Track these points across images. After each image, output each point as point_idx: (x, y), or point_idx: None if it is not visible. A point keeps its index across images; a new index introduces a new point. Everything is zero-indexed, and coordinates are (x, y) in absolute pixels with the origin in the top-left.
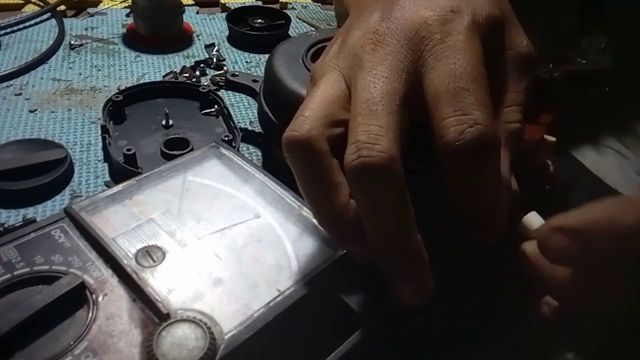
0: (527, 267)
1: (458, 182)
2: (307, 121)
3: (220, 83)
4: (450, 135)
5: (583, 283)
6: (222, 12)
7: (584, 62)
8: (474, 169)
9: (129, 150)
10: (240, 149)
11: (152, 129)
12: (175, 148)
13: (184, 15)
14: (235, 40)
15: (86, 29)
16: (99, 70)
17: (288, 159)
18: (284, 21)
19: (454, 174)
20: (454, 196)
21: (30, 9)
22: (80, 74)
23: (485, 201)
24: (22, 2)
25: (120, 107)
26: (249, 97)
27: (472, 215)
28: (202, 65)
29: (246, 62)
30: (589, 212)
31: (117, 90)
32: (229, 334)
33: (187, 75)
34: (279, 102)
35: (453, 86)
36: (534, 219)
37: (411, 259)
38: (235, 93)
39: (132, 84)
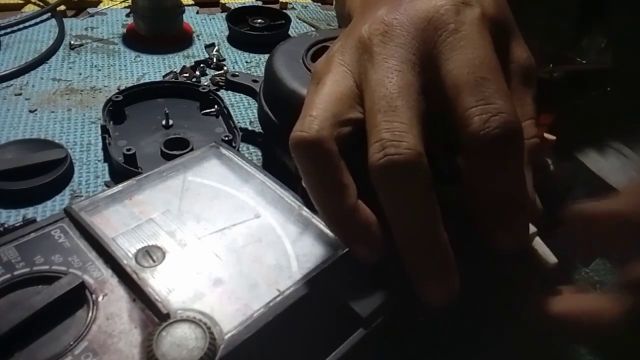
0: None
1: (481, 175)
2: (315, 121)
3: (220, 83)
4: (474, 125)
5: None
6: (222, 12)
7: (584, 62)
8: (499, 160)
9: (129, 150)
10: (240, 149)
11: (152, 129)
12: (175, 148)
13: (184, 15)
14: (235, 40)
15: (86, 29)
16: (99, 70)
17: (296, 160)
18: (284, 21)
19: (477, 166)
20: (475, 191)
21: (30, 9)
22: (80, 74)
23: (508, 197)
24: (22, 2)
25: (120, 107)
26: (249, 97)
27: (492, 213)
28: (202, 65)
29: (246, 62)
30: None
31: (117, 90)
32: (229, 334)
33: (187, 75)
34: (279, 102)
35: (473, 76)
36: (541, 246)
37: (439, 255)
38: (235, 93)
39: (132, 84)
